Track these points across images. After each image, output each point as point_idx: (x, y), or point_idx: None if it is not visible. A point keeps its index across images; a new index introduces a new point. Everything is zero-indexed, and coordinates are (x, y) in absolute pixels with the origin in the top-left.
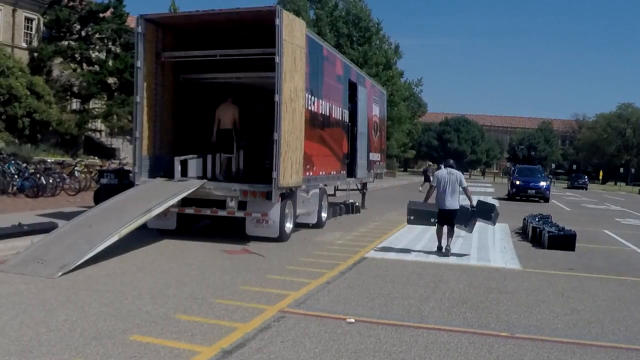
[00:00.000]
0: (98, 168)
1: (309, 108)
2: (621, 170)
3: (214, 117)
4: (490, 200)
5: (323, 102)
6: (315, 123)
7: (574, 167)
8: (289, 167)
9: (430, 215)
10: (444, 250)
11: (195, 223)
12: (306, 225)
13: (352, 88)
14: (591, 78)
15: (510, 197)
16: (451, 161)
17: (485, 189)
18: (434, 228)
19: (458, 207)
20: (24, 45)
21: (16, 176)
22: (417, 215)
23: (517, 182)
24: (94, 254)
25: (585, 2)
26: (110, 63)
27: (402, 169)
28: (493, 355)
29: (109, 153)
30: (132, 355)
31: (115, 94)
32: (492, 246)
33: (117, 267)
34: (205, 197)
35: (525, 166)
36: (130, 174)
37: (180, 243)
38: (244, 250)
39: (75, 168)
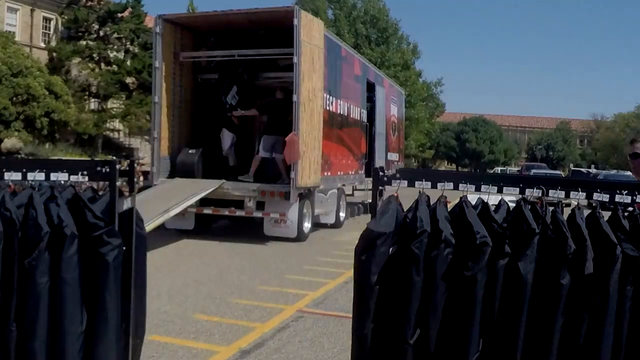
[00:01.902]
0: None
1: (327, 108)
2: None
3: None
4: None
5: (341, 102)
6: (334, 123)
7: (592, 167)
8: (307, 167)
9: None
10: None
11: (214, 223)
12: (324, 225)
13: (371, 88)
14: (609, 78)
15: None
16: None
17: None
18: None
19: None
20: (42, 45)
21: None
22: None
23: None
24: None
25: (604, 2)
26: (128, 63)
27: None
28: None
29: (127, 153)
30: (150, 355)
31: (134, 93)
32: None
33: None
34: (224, 197)
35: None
36: (149, 174)
37: (199, 243)
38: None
39: None
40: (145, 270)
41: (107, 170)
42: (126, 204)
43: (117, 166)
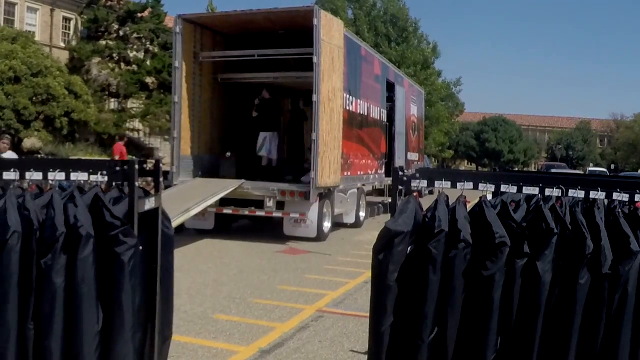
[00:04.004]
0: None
1: (347, 108)
2: None
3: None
4: None
5: (361, 102)
6: (354, 123)
7: (612, 166)
8: (327, 167)
9: None
10: None
11: (234, 223)
12: (344, 225)
13: (390, 88)
14: (629, 77)
15: None
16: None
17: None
18: None
19: None
20: (62, 45)
21: None
22: None
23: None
24: None
25: (624, 1)
26: (148, 63)
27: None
28: None
29: (147, 153)
30: (170, 354)
31: (154, 93)
32: None
33: None
34: (244, 197)
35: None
36: (169, 174)
37: (219, 243)
38: (305, 251)
39: None
40: (172, 270)
41: (126, 169)
42: (149, 204)
43: (143, 166)
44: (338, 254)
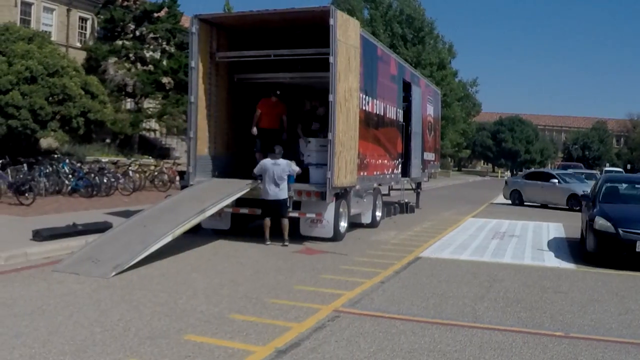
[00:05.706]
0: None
1: (363, 108)
2: None
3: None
4: None
5: (377, 102)
6: (370, 123)
7: (628, 166)
8: (343, 167)
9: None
10: (267, 243)
11: (250, 223)
12: (360, 225)
13: (407, 88)
14: None
15: None
16: (277, 149)
17: None
18: (489, 227)
19: (284, 197)
20: (78, 45)
21: (70, 176)
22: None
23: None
24: (148, 254)
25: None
26: (164, 63)
27: (457, 169)
28: (547, 355)
29: (163, 152)
30: (186, 354)
31: (170, 93)
32: (546, 246)
33: (171, 267)
34: (260, 197)
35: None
36: (185, 174)
37: (235, 243)
38: (322, 251)
39: (130, 168)
40: None
41: None
42: None
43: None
44: (354, 253)
